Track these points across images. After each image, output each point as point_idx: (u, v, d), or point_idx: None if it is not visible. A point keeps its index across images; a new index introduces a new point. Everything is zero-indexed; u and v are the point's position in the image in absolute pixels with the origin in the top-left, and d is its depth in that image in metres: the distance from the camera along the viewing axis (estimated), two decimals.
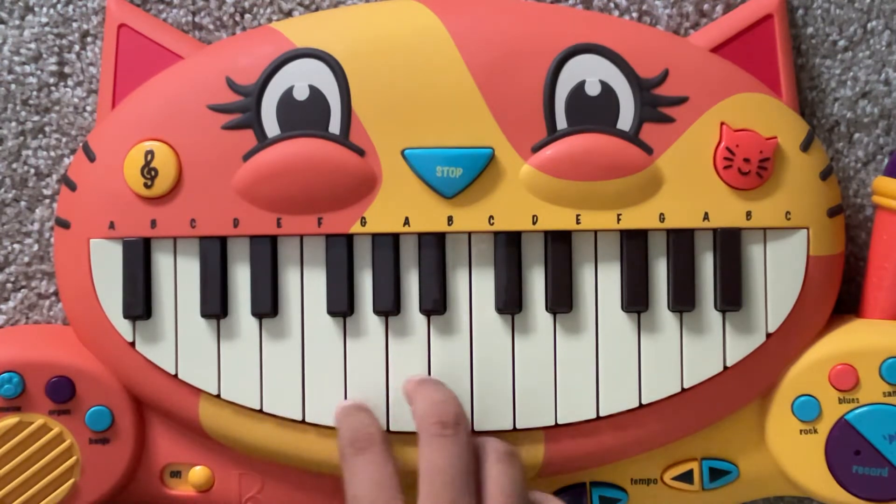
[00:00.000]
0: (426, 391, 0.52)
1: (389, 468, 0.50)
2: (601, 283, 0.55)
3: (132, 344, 0.55)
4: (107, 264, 0.55)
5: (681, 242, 0.55)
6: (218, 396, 0.55)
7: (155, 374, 0.55)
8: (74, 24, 0.59)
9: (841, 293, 0.58)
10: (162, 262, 0.55)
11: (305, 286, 0.55)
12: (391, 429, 0.55)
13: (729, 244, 0.55)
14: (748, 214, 0.55)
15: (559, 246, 0.55)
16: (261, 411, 0.55)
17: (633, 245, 0.55)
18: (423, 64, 0.54)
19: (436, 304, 0.55)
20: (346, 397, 0.55)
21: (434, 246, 0.55)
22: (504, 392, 0.55)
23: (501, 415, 0.55)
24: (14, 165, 0.59)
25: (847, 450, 0.55)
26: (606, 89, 0.55)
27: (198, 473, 0.57)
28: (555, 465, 0.56)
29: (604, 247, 0.55)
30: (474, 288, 0.55)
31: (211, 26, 0.59)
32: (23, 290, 0.60)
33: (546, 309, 0.55)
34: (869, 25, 0.59)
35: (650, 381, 0.55)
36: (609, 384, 0.55)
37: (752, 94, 0.55)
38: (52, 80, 0.59)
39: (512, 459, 0.51)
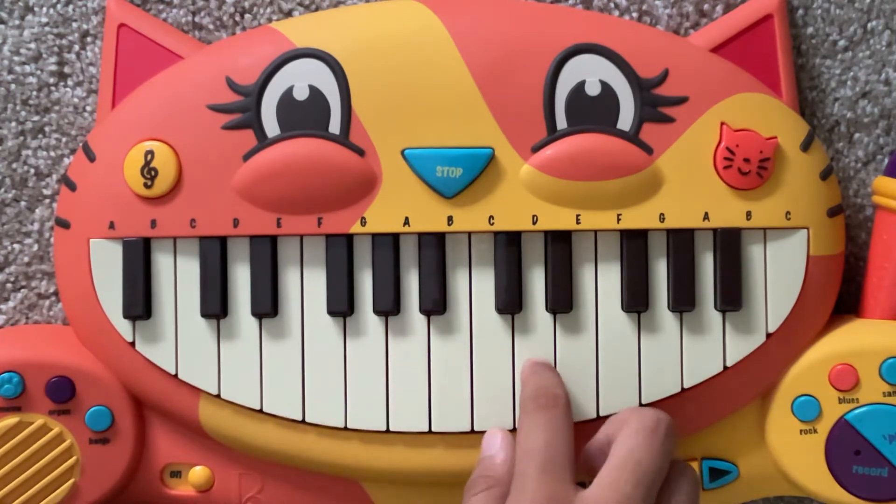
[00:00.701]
0: (640, 411, 0.52)
1: (568, 433, 0.50)
2: (601, 283, 0.55)
3: (132, 344, 0.55)
4: (107, 264, 0.55)
5: (681, 242, 0.55)
6: (218, 396, 0.55)
7: (155, 374, 0.55)
8: (74, 24, 0.59)
9: (841, 293, 0.58)
10: (162, 262, 0.55)
11: (305, 286, 0.55)
12: (391, 429, 0.55)
13: (729, 244, 0.55)
14: (748, 214, 0.55)
15: (559, 246, 0.55)
16: (261, 411, 0.55)
17: (633, 245, 0.55)
18: (423, 64, 0.54)
19: (436, 304, 0.55)
20: (346, 397, 0.55)
21: (434, 246, 0.55)
22: (504, 392, 0.55)
23: (501, 415, 0.55)
24: (14, 165, 0.59)
25: (847, 450, 0.55)
26: (606, 89, 0.55)
27: (198, 473, 0.57)
28: None
29: (604, 247, 0.55)
30: (474, 288, 0.55)
31: (211, 26, 0.59)
32: (23, 290, 0.60)
33: (546, 309, 0.55)
34: (869, 25, 0.59)
35: (650, 381, 0.55)
36: (609, 384, 0.55)
37: (752, 94, 0.55)
38: (52, 80, 0.59)
39: (698, 487, 0.50)
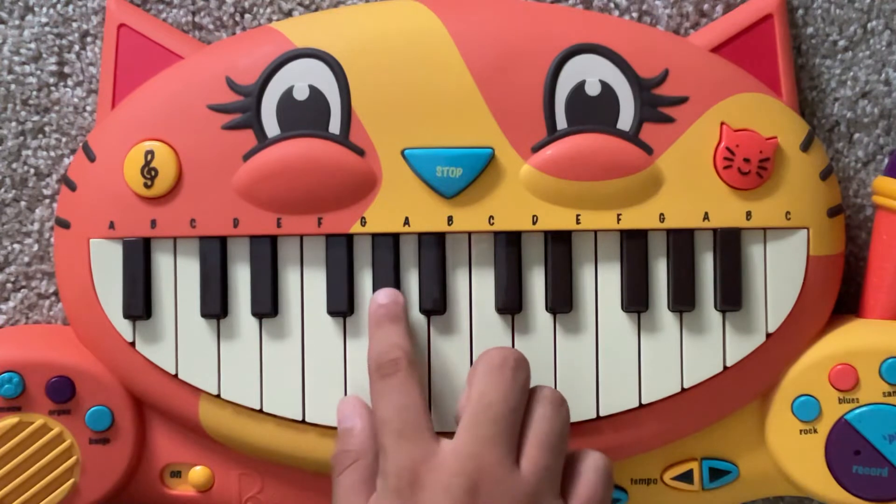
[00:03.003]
0: (487, 352, 0.52)
1: (416, 393, 0.50)
2: (601, 283, 0.55)
3: (132, 344, 0.55)
4: (107, 264, 0.55)
5: (681, 242, 0.55)
6: (218, 396, 0.55)
7: (155, 374, 0.55)
8: (74, 24, 0.59)
9: (841, 293, 0.58)
10: (162, 262, 0.55)
11: (305, 286, 0.55)
12: None
13: (729, 244, 0.55)
14: (748, 214, 0.55)
15: (559, 246, 0.55)
16: (261, 411, 0.55)
17: (633, 245, 0.55)
18: (423, 64, 0.54)
19: (436, 304, 0.55)
20: (346, 397, 0.55)
21: (434, 246, 0.55)
22: None
23: None
24: (14, 165, 0.59)
25: (847, 450, 0.55)
26: (606, 89, 0.55)
27: (198, 473, 0.57)
28: None
29: (604, 247, 0.55)
30: (474, 288, 0.55)
31: (211, 26, 0.59)
32: (23, 290, 0.60)
33: (546, 309, 0.55)
34: (869, 25, 0.59)
35: (650, 381, 0.55)
36: (609, 384, 0.55)
37: (752, 94, 0.55)
38: (52, 80, 0.59)
39: (559, 407, 0.51)
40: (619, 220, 0.55)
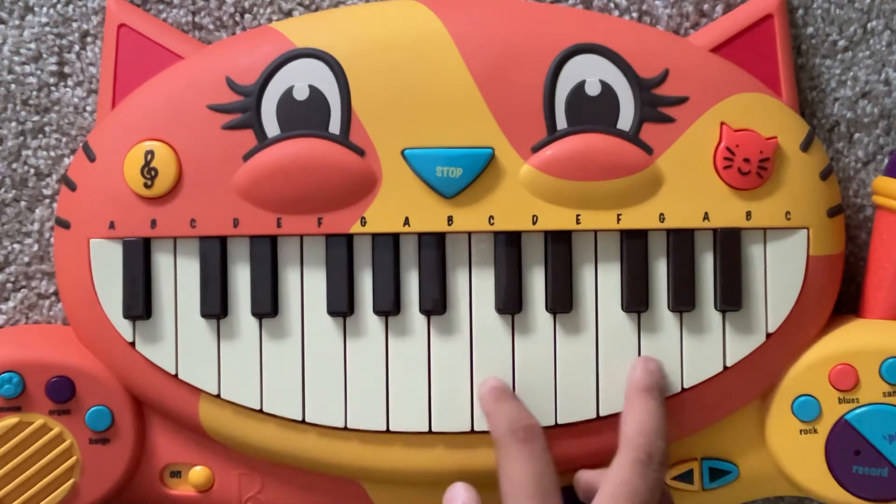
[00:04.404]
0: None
1: (550, 462, 0.51)
2: (601, 283, 0.55)
3: (132, 344, 0.55)
4: (107, 264, 0.55)
5: (681, 242, 0.55)
6: (218, 396, 0.55)
7: (155, 374, 0.55)
8: (74, 24, 0.59)
9: (841, 293, 0.58)
10: (162, 262, 0.55)
11: (305, 286, 0.55)
12: (391, 429, 0.55)
13: (729, 244, 0.55)
14: (748, 214, 0.55)
15: (559, 246, 0.55)
16: (261, 411, 0.55)
17: (633, 245, 0.55)
18: (423, 64, 0.54)
19: (436, 304, 0.55)
20: (346, 397, 0.55)
21: (434, 246, 0.55)
22: None
23: None
24: (14, 165, 0.59)
25: (847, 450, 0.55)
26: (606, 89, 0.55)
27: (198, 473, 0.57)
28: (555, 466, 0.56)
29: (604, 247, 0.55)
30: (474, 288, 0.55)
31: (211, 26, 0.59)
32: (23, 290, 0.60)
33: (546, 309, 0.55)
34: (869, 25, 0.59)
35: None
36: (609, 384, 0.55)
37: (752, 94, 0.55)
38: (52, 80, 0.59)
39: (642, 467, 0.51)
40: (619, 220, 0.55)
